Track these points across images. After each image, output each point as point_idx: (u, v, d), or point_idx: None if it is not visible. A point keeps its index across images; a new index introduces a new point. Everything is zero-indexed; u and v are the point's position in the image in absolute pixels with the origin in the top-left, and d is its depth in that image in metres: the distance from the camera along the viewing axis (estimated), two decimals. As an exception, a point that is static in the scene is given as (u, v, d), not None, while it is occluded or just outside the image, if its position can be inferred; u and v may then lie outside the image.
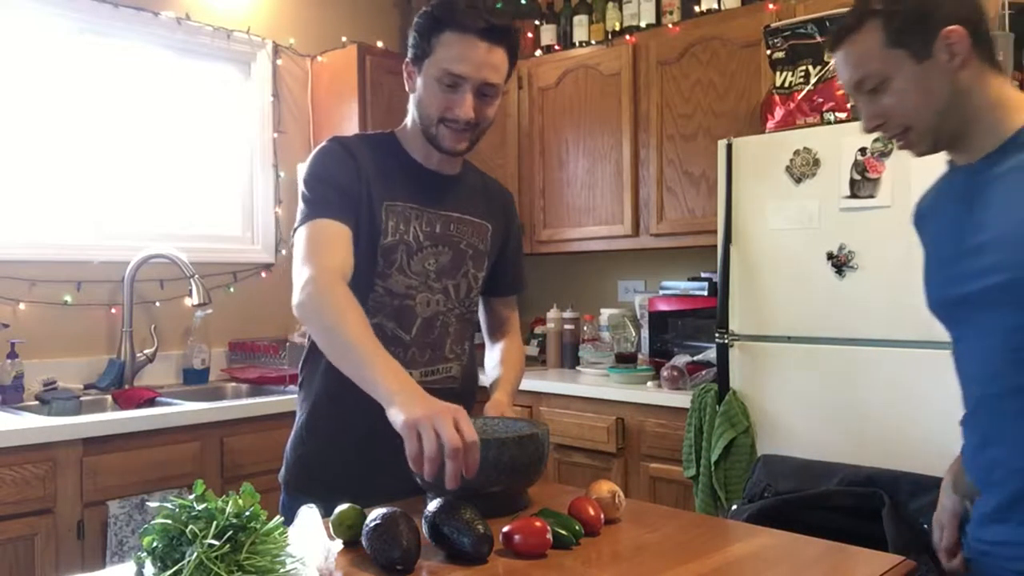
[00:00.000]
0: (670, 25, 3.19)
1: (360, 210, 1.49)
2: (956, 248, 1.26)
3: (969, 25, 1.21)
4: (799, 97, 2.55)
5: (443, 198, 1.59)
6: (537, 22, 3.69)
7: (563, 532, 1.20)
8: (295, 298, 1.39)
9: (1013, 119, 1.22)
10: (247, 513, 0.96)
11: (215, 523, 0.93)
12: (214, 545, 0.92)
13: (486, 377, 1.73)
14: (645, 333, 3.26)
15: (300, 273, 1.40)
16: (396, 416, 1.19)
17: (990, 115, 1.22)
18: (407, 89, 1.56)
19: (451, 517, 1.15)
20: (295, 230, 1.49)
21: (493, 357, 1.74)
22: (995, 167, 1.22)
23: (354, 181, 1.50)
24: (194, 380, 3.14)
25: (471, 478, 1.16)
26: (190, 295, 3.00)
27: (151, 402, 2.75)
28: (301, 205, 1.49)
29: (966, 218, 1.25)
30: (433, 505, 1.18)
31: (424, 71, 1.49)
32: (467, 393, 1.68)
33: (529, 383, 3.17)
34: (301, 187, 1.51)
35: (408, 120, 1.60)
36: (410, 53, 1.53)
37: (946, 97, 1.22)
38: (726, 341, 2.56)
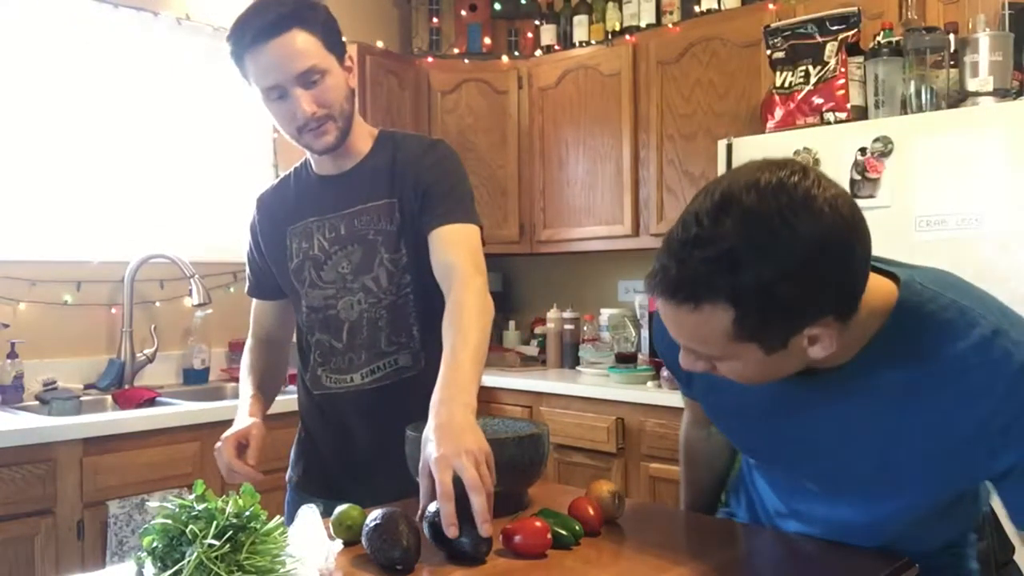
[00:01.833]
0: (670, 25, 3.19)
1: (268, 266, 1.64)
2: (778, 432, 1.14)
3: (845, 308, 0.95)
4: (799, 97, 2.55)
5: (342, 197, 1.55)
6: (537, 22, 3.69)
7: (563, 532, 1.20)
8: None
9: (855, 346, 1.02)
10: (247, 513, 0.96)
11: (215, 523, 0.93)
12: (214, 545, 0.91)
13: None
14: (645, 333, 3.26)
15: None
16: None
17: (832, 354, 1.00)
18: None
19: None
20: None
21: (444, 327, 1.42)
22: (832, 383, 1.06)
23: (257, 251, 1.66)
24: (194, 380, 3.14)
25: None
26: (190, 295, 3.00)
27: (151, 402, 2.75)
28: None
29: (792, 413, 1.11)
30: (433, 505, 1.18)
31: (260, 101, 1.48)
32: (435, 376, 1.36)
33: (529, 383, 3.17)
34: None
35: None
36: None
37: (791, 370, 1.02)
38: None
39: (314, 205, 1.57)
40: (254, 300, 1.72)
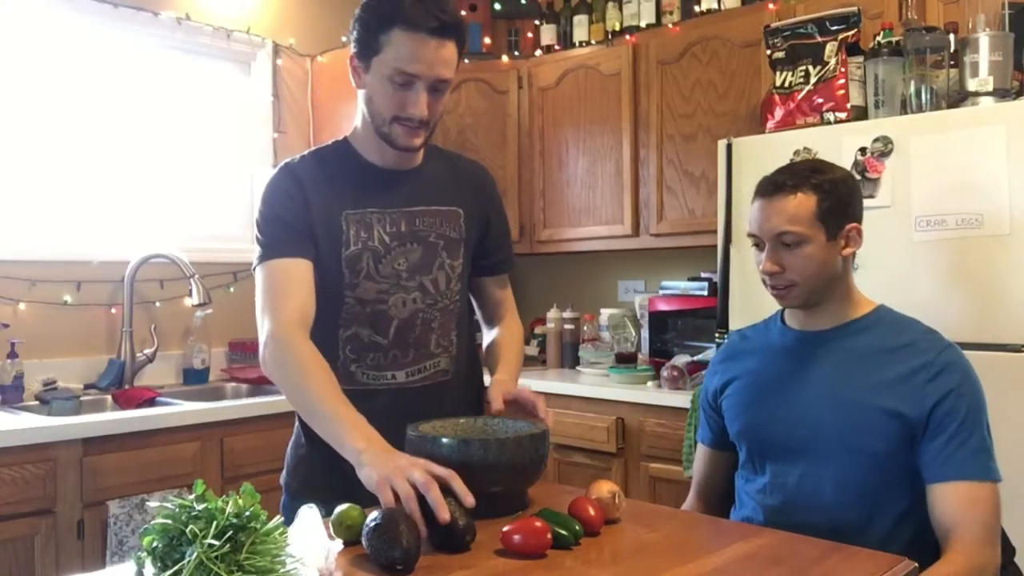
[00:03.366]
0: (670, 25, 3.19)
1: (315, 236, 1.50)
2: (782, 393, 1.53)
3: (859, 222, 1.52)
4: (799, 97, 2.55)
5: (405, 194, 1.56)
6: (537, 22, 3.69)
7: (563, 532, 1.20)
8: (260, 353, 1.45)
9: (849, 311, 1.53)
10: (247, 513, 0.96)
11: (215, 523, 0.93)
12: (214, 545, 0.91)
13: (484, 362, 1.73)
14: (645, 333, 3.26)
15: (260, 324, 1.45)
16: (367, 478, 1.23)
17: (839, 302, 1.53)
18: (354, 85, 1.52)
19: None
20: (254, 268, 1.51)
21: (490, 341, 1.71)
22: (826, 342, 1.53)
23: (301, 212, 1.50)
24: (194, 380, 3.14)
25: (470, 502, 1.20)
26: (190, 295, 3.00)
27: (151, 402, 2.75)
28: (256, 245, 1.51)
29: (794, 373, 1.53)
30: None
31: (373, 69, 1.46)
32: (463, 382, 1.66)
33: (529, 383, 3.15)
34: (255, 224, 1.53)
35: (358, 121, 1.57)
36: (354, 48, 1.49)
37: (831, 272, 1.49)
38: (726, 341, 2.55)
39: (375, 195, 1.55)
40: (276, 272, 1.46)
